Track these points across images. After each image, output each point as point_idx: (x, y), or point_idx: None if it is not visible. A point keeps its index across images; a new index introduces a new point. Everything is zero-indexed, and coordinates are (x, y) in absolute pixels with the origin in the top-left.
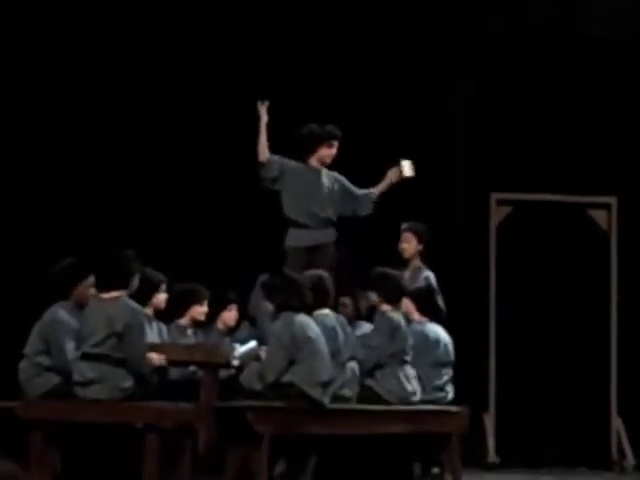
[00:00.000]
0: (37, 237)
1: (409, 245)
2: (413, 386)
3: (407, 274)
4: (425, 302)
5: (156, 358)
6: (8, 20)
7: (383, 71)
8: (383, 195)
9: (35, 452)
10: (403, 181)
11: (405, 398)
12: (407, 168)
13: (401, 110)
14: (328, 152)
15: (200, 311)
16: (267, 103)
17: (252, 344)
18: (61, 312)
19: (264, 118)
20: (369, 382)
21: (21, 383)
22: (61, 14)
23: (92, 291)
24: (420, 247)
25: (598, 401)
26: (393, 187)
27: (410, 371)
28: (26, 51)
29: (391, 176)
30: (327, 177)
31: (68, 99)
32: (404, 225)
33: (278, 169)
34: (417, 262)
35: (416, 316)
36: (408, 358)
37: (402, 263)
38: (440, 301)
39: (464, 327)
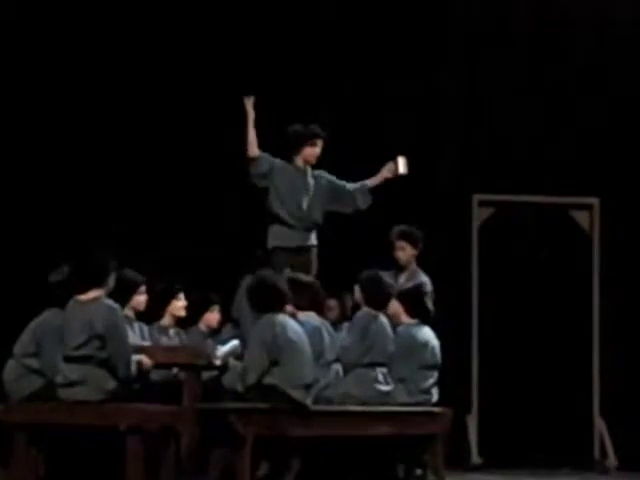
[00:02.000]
0: (27, 237)
1: (404, 253)
2: (378, 389)
3: (403, 278)
4: (413, 303)
5: (147, 360)
6: (8, 20)
7: (368, 72)
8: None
9: (18, 454)
10: (397, 177)
11: (365, 401)
12: (402, 165)
13: (384, 111)
14: (312, 151)
15: (178, 306)
16: (253, 98)
17: (234, 343)
18: (57, 319)
19: (251, 113)
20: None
21: (5, 383)
22: (61, 14)
23: None
24: (415, 252)
25: (581, 402)
26: (384, 184)
27: (379, 375)
28: (26, 51)
29: (386, 171)
30: (313, 177)
31: (67, 99)
32: (395, 233)
33: (267, 165)
34: (413, 266)
35: (404, 318)
36: (378, 359)
37: (399, 268)
38: (429, 302)
39: (446, 328)
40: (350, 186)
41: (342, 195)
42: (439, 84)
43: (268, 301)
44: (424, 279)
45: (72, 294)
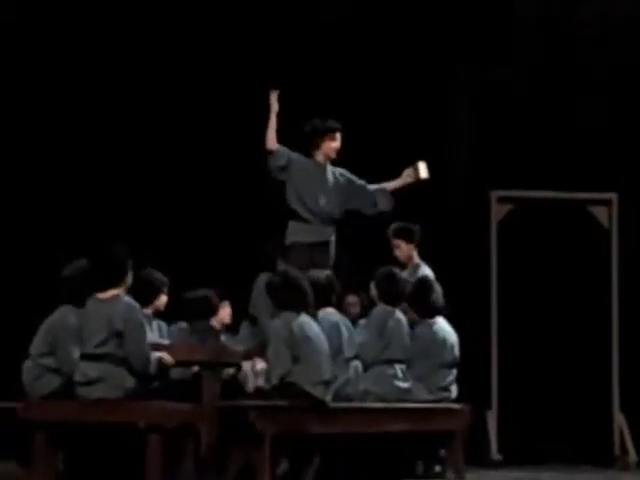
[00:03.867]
0: (39, 234)
1: (401, 251)
2: (397, 385)
3: (406, 274)
4: (420, 301)
5: (168, 358)
6: (8, 20)
7: (384, 69)
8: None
9: (38, 453)
10: (418, 182)
11: (384, 398)
12: (423, 170)
13: (401, 108)
14: (332, 145)
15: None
16: (277, 92)
17: (260, 365)
18: (71, 316)
19: (274, 106)
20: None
21: (24, 383)
22: (61, 14)
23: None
24: (412, 246)
25: (600, 398)
26: (405, 188)
27: (398, 371)
28: (26, 51)
29: (407, 176)
30: (332, 173)
31: (68, 99)
32: (390, 232)
33: (286, 159)
34: (415, 261)
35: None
36: (396, 356)
37: (401, 265)
38: (437, 295)
39: (466, 325)
40: (371, 187)
41: (362, 194)
42: (456, 80)
43: (291, 300)
44: (426, 272)
45: (87, 290)
